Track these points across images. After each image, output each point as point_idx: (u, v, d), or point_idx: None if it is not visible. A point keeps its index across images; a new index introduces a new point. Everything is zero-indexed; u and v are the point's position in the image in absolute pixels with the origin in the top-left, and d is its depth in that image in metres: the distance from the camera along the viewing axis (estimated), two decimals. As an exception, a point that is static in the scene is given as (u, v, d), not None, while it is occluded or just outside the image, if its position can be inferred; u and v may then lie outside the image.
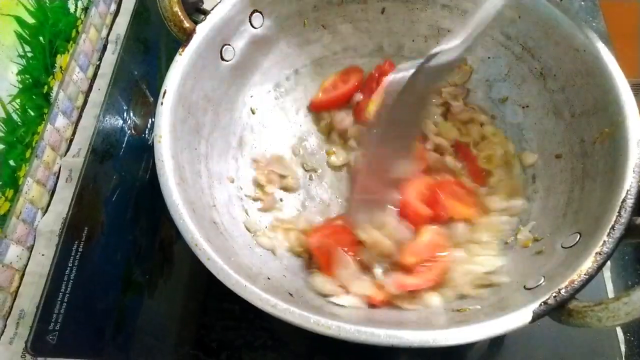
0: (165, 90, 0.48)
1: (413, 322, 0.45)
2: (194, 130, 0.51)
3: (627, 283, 0.58)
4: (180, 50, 0.50)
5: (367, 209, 0.52)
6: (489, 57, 0.59)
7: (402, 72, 0.46)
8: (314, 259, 0.52)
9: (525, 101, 0.56)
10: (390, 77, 0.47)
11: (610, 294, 0.56)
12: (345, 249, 0.50)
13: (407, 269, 0.49)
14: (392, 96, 0.46)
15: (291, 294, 0.45)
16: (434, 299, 0.48)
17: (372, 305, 0.48)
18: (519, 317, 0.37)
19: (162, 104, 0.47)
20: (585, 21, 0.49)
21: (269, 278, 0.46)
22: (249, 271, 0.44)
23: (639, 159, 0.42)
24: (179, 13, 0.50)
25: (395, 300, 0.48)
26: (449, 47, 0.44)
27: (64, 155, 0.68)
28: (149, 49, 0.77)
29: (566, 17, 0.50)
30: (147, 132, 0.70)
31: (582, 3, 0.78)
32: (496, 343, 0.54)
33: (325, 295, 0.48)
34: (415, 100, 0.49)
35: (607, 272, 0.57)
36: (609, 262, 0.57)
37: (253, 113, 0.61)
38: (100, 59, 0.76)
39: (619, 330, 0.54)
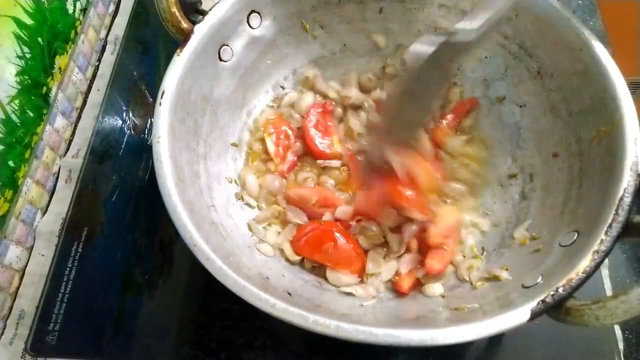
0: (164, 90, 0.48)
1: (412, 320, 0.45)
2: (193, 131, 0.52)
3: (625, 281, 0.58)
4: (178, 50, 0.50)
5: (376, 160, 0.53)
6: (486, 57, 0.59)
7: (424, 46, 0.45)
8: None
9: (523, 100, 0.57)
10: (412, 49, 0.46)
11: (608, 292, 0.56)
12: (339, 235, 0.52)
13: (426, 249, 0.52)
14: (412, 70, 0.46)
15: (290, 294, 0.45)
16: (436, 288, 0.50)
17: (400, 293, 0.50)
18: (517, 316, 0.37)
19: (160, 104, 0.47)
20: (582, 20, 0.49)
21: (267, 278, 0.46)
22: (247, 271, 0.44)
23: (636, 158, 0.42)
24: (177, 14, 0.50)
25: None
26: (468, 28, 0.43)
27: (64, 156, 0.69)
28: (148, 50, 0.77)
29: (563, 16, 0.50)
30: (146, 132, 0.70)
31: (580, 2, 0.78)
32: (495, 341, 0.54)
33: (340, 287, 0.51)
34: (432, 77, 0.48)
35: (605, 271, 0.57)
36: (606, 261, 0.57)
37: (251, 113, 0.61)
38: (99, 60, 0.76)
39: (617, 328, 0.55)
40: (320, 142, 0.60)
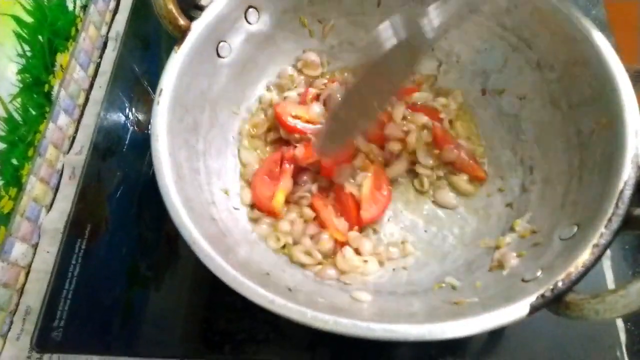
0: (162, 89, 0.48)
1: (411, 314, 0.46)
2: (192, 128, 0.52)
3: (627, 274, 0.57)
4: (176, 48, 0.49)
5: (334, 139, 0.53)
6: (485, 49, 0.58)
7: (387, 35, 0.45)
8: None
9: (522, 92, 0.56)
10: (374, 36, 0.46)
11: (610, 285, 0.56)
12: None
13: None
14: (377, 55, 0.46)
15: (290, 289, 0.45)
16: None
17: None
18: (516, 310, 0.37)
19: (158, 102, 0.47)
20: (585, 10, 0.48)
21: (268, 273, 0.46)
22: (247, 267, 0.45)
23: (637, 150, 0.41)
24: (174, 10, 0.49)
25: None
26: (428, 28, 0.45)
27: (67, 153, 0.69)
28: (149, 45, 0.77)
29: (562, 6, 0.49)
30: (149, 127, 0.69)
31: (583, -8, 0.77)
32: (496, 334, 0.54)
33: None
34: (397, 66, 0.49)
35: (607, 263, 0.57)
36: (609, 253, 0.57)
37: (250, 109, 0.61)
38: (100, 57, 0.77)
39: (619, 320, 0.54)
40: (263, 192, 0.56)
